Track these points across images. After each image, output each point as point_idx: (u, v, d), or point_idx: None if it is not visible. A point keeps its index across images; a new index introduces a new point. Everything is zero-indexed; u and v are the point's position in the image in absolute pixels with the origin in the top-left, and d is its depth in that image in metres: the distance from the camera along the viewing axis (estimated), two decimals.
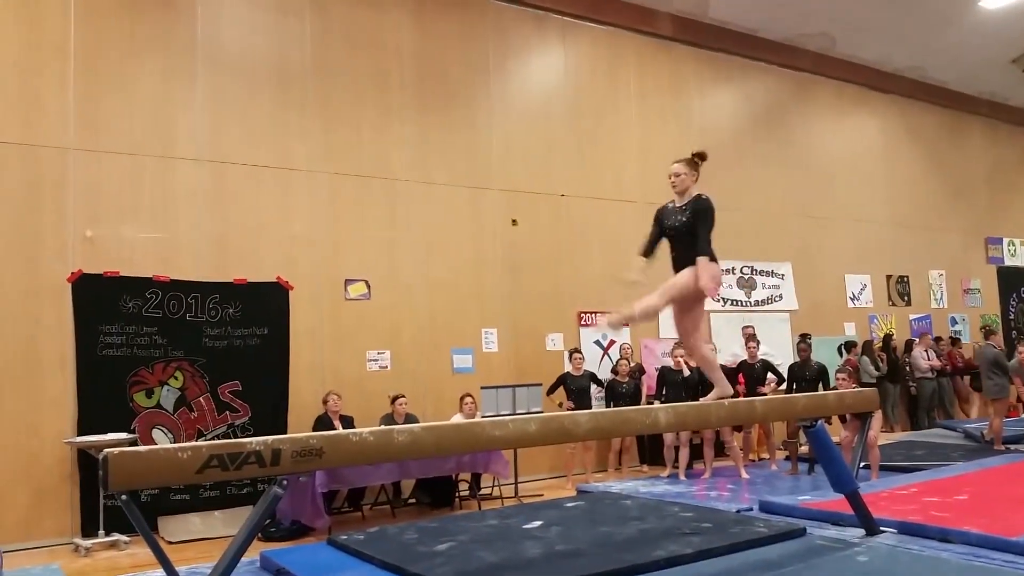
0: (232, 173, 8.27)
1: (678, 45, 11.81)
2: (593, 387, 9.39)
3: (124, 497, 3.25)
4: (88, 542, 6.77)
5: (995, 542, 4.95)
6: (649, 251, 5.13)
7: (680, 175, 5.02)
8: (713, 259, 4.86)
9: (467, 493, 8.42)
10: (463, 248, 9.62)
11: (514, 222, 9.94)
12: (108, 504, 6.81)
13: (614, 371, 9.79)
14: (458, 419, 7.98)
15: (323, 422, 7.82)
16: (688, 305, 5.04)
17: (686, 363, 9.25)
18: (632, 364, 10.00)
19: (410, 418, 8.04)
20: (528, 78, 10.56)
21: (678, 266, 4.97)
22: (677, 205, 5.04)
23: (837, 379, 8.51)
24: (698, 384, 8.94)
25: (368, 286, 8.88)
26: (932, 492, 6.73)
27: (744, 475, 8.91)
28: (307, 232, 8.60)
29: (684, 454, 9.16)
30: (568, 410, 8.54)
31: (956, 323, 15.08)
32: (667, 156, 11.05)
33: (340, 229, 8.81)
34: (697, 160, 5.07)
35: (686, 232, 4.93)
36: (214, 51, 8.35)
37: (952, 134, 15.61)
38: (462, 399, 8.47)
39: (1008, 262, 16.26)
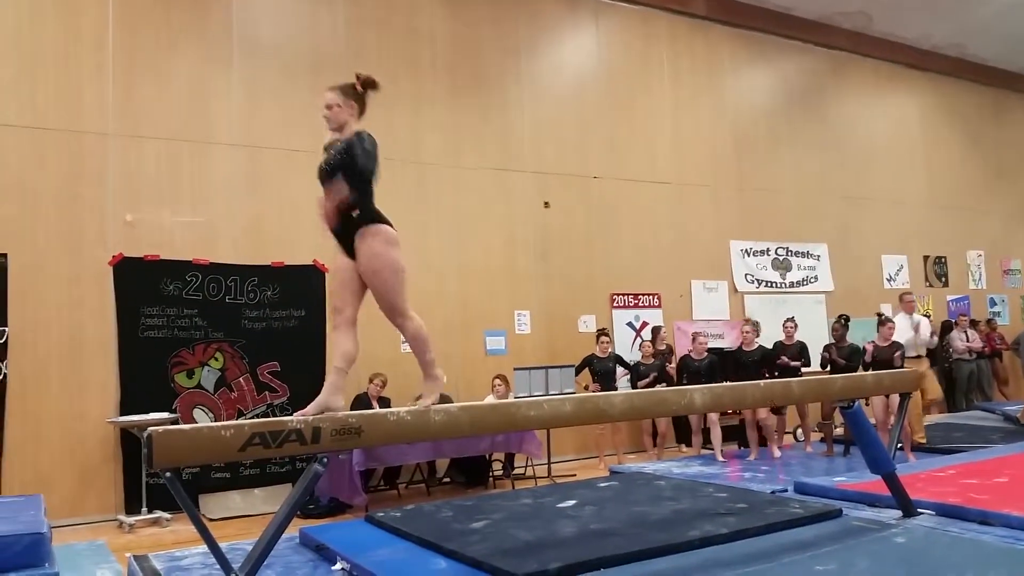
0: (268, 158, 8.36)
1: (712, 24, 11.69)
2: (619, 369, 9.38)
3: (168, 474, 3.31)
4: (132, 519, 6.93)
5: None
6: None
7: (332, 107, 3.98)
8: (378, 220, 3.84)
9: (500, 473, 8.49)
10: (495, 231, 9.64)
11: (546, 204, 9.94)
12: (151, 482, 7.01)
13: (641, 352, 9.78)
14: (490, 401, 8.04)
15: (361, 401, 7.90)
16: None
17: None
18: (662, 346, 9.95)
19: (444, 398, 8.09)
20: (560, 60, 10.52)
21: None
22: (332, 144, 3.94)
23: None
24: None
25: None
26: (971, 474, 6.64)
27: (776, 454, 8.88)
28: None
29: (716, 433, 9.12)
30: (593, 392, 8.56)
31: (995, 304, 14.83)
32: (700, 137, 11.42)
33: None
34: (359, 88, 3.97)
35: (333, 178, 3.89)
36: (249, 38, 8.43)
37: (993, 113, 15.29)
38: (493, 381, 8.53)
39: None
